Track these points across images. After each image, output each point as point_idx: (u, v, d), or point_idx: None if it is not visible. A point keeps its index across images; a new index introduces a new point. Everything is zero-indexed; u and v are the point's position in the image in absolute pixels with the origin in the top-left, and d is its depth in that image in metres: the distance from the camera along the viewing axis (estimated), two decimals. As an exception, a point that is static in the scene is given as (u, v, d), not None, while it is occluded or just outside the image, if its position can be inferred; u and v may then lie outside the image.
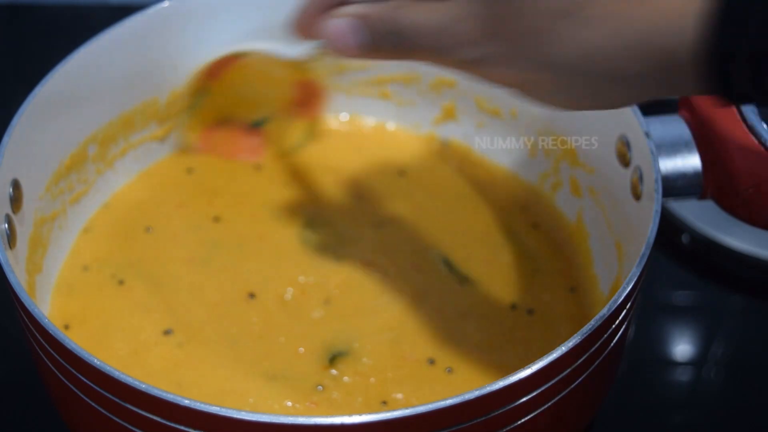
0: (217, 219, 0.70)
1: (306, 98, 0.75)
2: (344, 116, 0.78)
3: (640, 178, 0.60)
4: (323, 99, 0.75)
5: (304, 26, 0.56)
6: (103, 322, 0.64)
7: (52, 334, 0.50)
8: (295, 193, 0.72)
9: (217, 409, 0.46)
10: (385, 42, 0.49)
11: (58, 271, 0.67)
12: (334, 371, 0.61)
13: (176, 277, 0.66)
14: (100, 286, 0.66)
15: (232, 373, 0.60)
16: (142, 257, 0.68)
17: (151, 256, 0.68)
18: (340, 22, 0.51)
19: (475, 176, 0.74)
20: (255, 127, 0.74)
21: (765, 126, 0.59)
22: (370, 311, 0.64)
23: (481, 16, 0.46)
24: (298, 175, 0.73)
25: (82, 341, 0.62)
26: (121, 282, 0.66)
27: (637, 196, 0.61)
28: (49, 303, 0.65)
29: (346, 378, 0.60)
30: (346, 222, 0.70)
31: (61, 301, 0.65)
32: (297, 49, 0.63)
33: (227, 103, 0.73)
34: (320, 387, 0.60)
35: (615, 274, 0.65)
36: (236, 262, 0.67)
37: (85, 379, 0.50)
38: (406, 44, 0.49)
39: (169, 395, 0.47)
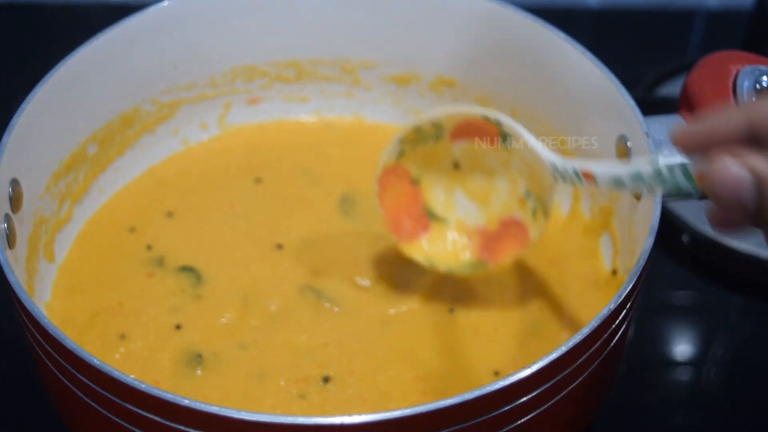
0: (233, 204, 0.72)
1: (499, 237, 0.63)
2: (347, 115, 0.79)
3: (640, 178, 0.60)
4: (518, 252, 0.62)
5: (692, 141, 0.46)
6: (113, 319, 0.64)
7: (52, 334, 0.50)
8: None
9: (217, 409, 0.46)
10: None
11: (59, 270, 0.67)
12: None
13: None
14: (102, 285, 0.66)
15: None
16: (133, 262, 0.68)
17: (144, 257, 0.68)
18: (733, 168, 0.42)
19: None
20: (429, 216, 0.64)
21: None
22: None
23: None
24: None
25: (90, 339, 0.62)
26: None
27: (638, 196, 0.61)
28: (50, 302, 0.65)
29: None
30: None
31: (62, 299, 0.65)
32: (558, 159, 0.57)
33: (435, 162, 0.64)
34: None
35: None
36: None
37: (84, 379, 0.50)
38: None
39: (168, 395, 0.47)
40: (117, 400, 0.49)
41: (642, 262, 0.54)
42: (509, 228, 0.63)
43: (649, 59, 0.94)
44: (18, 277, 0.53)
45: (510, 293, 0.66)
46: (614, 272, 0.65)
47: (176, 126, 0.76)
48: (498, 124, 0.60)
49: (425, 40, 0.74)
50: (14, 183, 0.60)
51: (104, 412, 0.51)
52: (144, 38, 0.70)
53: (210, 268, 0.67)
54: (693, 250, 0.77)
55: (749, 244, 0.75)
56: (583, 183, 0.55)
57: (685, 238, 0.77)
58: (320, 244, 0.68)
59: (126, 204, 0.72)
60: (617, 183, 0.53)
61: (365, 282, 0.66)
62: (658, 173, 0.49)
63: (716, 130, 0.45)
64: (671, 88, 0.88)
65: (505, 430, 0.51)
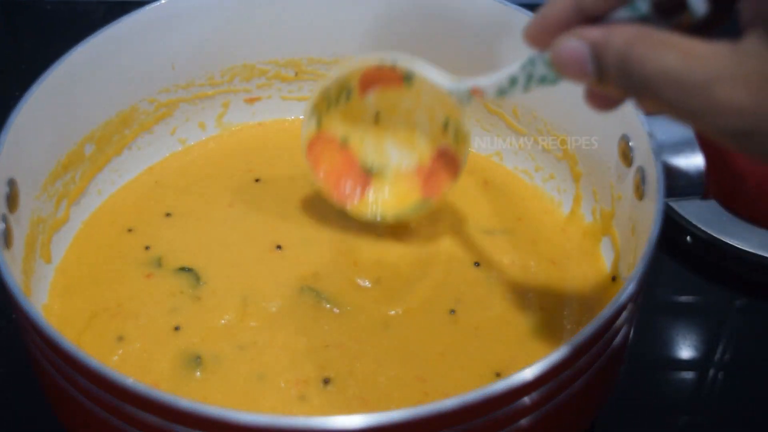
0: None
1: (434, 172, 0.67)
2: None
3: (643, 178, 0.60)
4: (453, 179, 0.66)
5: (537, 34, 0.49)
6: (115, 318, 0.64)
7: (49, 335, 0.50)
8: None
9: (216, 410, 0.46)
10: (613, 80, 0.43)
11: (56, 270, 0.67)
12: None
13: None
14: (99, 286, 0.66)
15: None
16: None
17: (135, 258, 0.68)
18: (570, 44, 0.45)
19: (479, 177, 0.74)
20: (367, 172, 0.67)
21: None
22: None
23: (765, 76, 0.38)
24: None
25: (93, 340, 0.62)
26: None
27: (640, 196, 0.60)
28: (48, 303, 0.65)
29: None
30: None
31: (60, 301, 0.65)
32: (451, 83, 0.61)
33: (357, 120, 0.67)
34: None
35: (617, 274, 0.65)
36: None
37: (82, 381, 0.50)
38: (637, 89, 0.42)
39: (167, 396, 0.47)
40: (116, 402, 0.49)
41: (644, 264, 0.53)
42: (441, 160, 0.66)
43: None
44: (15, 278, 0.53)
45: (511, 294, 0.65)
46: (614, 278, 0.65)
47: (174, 125, 0.75)
48: (394, 67, 0.63)
49: (425, 38, 0.74)
50: (11, 183, 0.59)
51: (103, 413, 0.51)
52: (142, 37, 0.70)
53: (209, 268, 0.66)
54: (695, 250, 0.77)
55: (751, 244, 0.75)
56: (474, 99, 0.60)
57: (688, 239, 0.77)
58: (320, 244, 0.68)
59: (124, 204, 0.72)
60: (501, 91, 0.56)
61: (365, 283, 0.66)
62: (523, 68, 0.53)
63: (551, 17, 0.48)
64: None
65: (506, 430, 0.50)
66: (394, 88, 0.65)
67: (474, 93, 0.60)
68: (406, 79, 0.64)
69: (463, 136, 0.64)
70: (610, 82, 0.44)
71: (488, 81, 0.58)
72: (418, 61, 0.63)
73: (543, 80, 0.52)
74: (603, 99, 0.49)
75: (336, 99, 0.65)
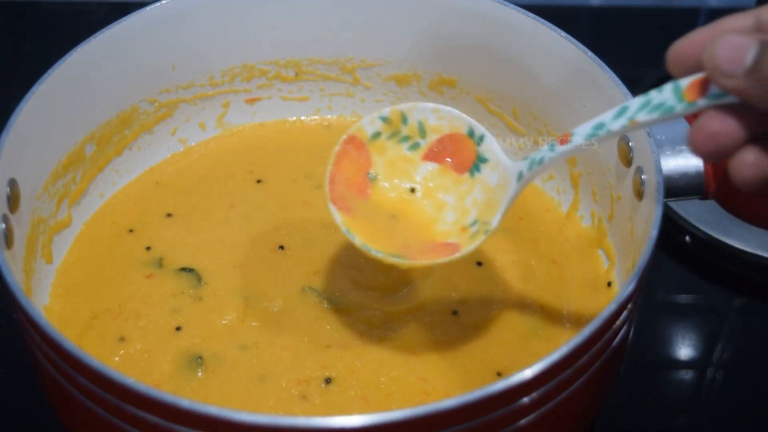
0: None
1: (425, 251, 0.60)
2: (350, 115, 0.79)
3: (642, 179, 0.60)
4: (441, 260, 0.58)
5: (682, 55, 0.48)
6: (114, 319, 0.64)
7: (51, 336, 0.50)
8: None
9: (217, 410, 0.46)
10: None
11: (57, 271, 0.67)
12: None
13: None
14: (100, 287, 0.66)
15: None
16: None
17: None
18: (730, 38, 0.45)
19: None
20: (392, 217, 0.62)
21: None
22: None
23: None
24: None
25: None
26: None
27: (639, 197, 0.61)
28: (48, 304, 0.65)
29: None
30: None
31: (61, 301, 0.65)
32: (524, 162, 0.56)
33: (398, 176, 0.62)
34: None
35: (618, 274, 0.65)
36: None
37: (83, 381, 0.50)
38: None
39: (168, 396, 0.47)
40: (116, 402, 0.49)
41: (644, 263, 0.53)
42: (439, 247, 0.60)
43: (652, 58, 0.94)
44: (16, 278, 0.53)
45: (512, 294, 0.66)
46: (609, 284, 0.65)
47: (175, 126, 0.75)
48: (481, 140, 0.59)
49: (425, 38, 0.74)
50: (12, 183, 0.59)
51: (104, 413, 0.51)
52: (142, 37, 0.70)
53: (210, 269, 0.66)
54: (694, 250, 0.77)
55: (750, 244, 0.75)
56: (559, 151, 0.54)
57: (687, 239, 0.77)
58: (321, 244, 0.68)
59: (125, 205, 0.72)
60: (597, 127, 0.52)
61: (367, 283, 0.66)
62: (645, 95, 0.49)
63: (724, 28, 0.47)
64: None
65: (506, 430, 0.51)
66: (452, 174, 0.60)
67: (562, 140, 0.54)
68: (475, 164, 0.59)
69: (485, 232, 0.57)
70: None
71: (583, 125, 0.53)
72: (498, 147, 0.58)
73: (657, 109, 0.49)
74: (714, 146, 0.47)
75: (405, 138, 0.61)
